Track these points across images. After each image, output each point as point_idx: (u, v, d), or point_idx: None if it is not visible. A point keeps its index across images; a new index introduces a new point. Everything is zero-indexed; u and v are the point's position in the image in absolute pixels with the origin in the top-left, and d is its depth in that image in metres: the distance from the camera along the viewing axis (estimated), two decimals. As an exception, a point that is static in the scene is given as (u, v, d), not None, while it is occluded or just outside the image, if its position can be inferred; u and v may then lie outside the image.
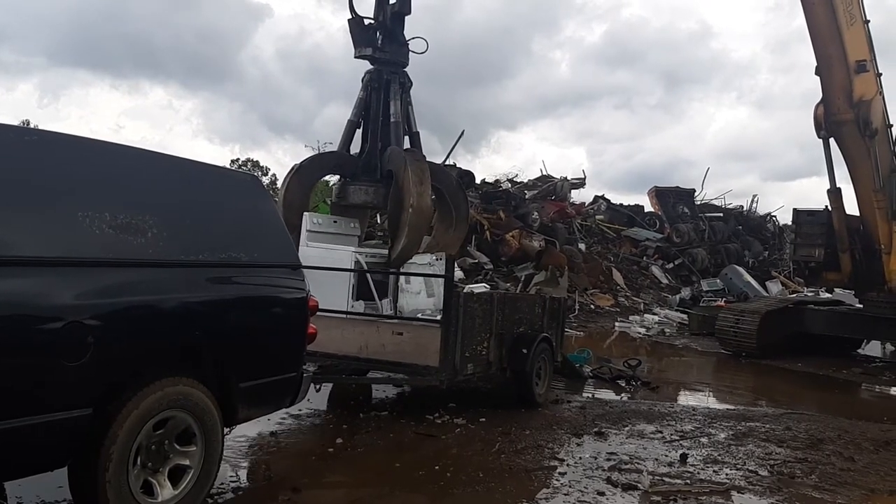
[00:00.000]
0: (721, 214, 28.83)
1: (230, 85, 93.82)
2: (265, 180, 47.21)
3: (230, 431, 4.86)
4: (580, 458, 6.22)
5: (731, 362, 13.40)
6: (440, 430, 6.80)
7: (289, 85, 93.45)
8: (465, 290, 8.45)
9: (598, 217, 26.44)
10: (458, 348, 6.95)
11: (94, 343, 3.47)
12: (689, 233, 25.86)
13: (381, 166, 8.83)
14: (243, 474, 5.32)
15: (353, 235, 8.87)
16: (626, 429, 7.36)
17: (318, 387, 7.36)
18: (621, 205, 28.52)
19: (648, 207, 28.49)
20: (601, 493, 5.34)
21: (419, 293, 8.59)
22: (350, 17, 8.91)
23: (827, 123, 13.07)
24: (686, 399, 9.70)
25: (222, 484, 4.86)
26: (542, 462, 6.06)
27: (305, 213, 8.49)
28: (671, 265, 24.37)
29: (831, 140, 13.30)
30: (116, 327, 3.67)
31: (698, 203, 28.80)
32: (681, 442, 6.97)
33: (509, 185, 25.23)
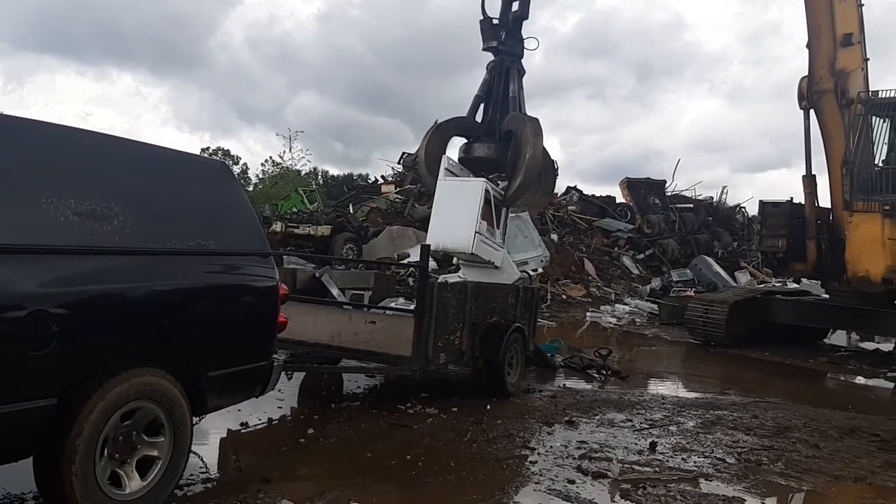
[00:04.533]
0: (691, 205, 29.09)
1: (200, 72, 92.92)
2: (236, 169, 46.81)
3: (199, 421, 4.80)
4: (551, 446, 6.25)
5: (700, 352, 13.55)
6: (412, 420, 6.80)
7: (259, 73, 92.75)
8: (439, 280, 8.45)
9: (570, 208, 26.54)
10: (430, 338, 6.94)
11: (59, 332, 3.40)
12: (659, 224, 26.06)
13: (499, 130, 10.89)
14: (213, 465, 5.26)
15: None
16: (597, 418, 7.41)
17: (289, 375, 7.32)
18: (593, 196, 28.65)
19: (620, 198, 28.66)
20: (571, 482, 5.38)
21: (516, 238, 11.37)
22: (481, 17, 11.16)
23: (809, 93, 13.63)
24: (656, 388, 9.79)
25: (192, 475, 4.81)
26: (514, 451, 6.08)
27: (443, 156, 10.45)
28: (642, 256, 24.56)
29: (812, 120, 13.74)
30: (82, 316, 3.60)
31: (669, 194, 29.01)
32: (650, 430, 7.04)
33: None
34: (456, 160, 10.82)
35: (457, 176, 10.26)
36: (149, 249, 4.04)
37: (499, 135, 10.85)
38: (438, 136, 10.97)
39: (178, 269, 4.22)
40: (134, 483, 3.91)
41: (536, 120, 10.35)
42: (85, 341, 3.60)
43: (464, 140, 11.23)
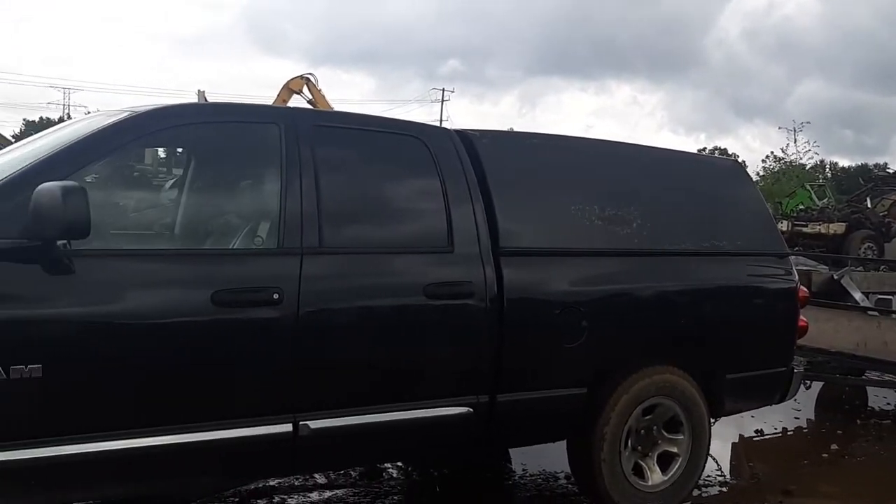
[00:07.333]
0: None
1: (694, 73, 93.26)
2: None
3: (714, 423, 4.77)
4: None
5: None
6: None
7: (757, 65, 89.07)
8: None
9: None
10: None
11: (587, 327, 3.70)
12: None
13: None
14: (727, 470, 5.19)
15: None
16: None
17: (807, 385, 6.84)
18: None
19: None
20: None
21: None
22: None
23: None
24: None
25: (708, 476, 4.78)
26: None
27: None
28: None
29: None
30: (606, 313, 3.86)
31: None
32: None
33: None
34: None
35: None
36: (664, 251, 4.15)
37: None
38: None
39: (693, 270, 4.25)
40: (655, 476, 4.04)
41: None
42: (609, 336, 3.85)
43: None
